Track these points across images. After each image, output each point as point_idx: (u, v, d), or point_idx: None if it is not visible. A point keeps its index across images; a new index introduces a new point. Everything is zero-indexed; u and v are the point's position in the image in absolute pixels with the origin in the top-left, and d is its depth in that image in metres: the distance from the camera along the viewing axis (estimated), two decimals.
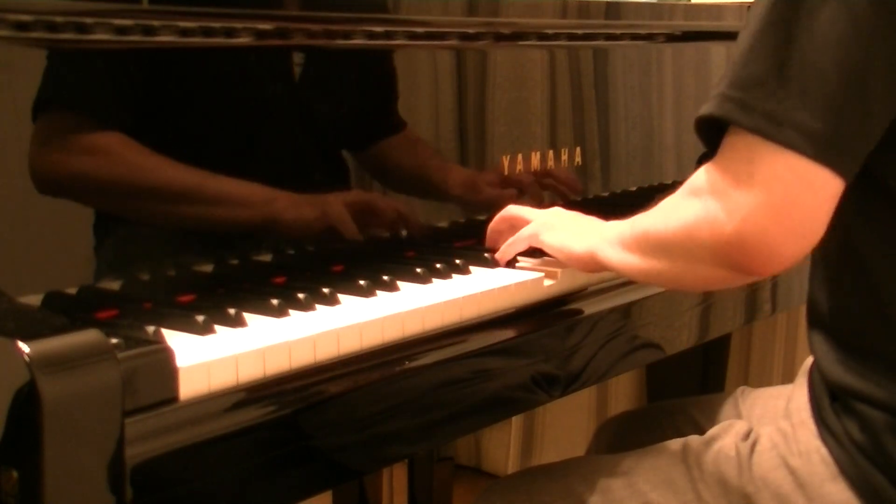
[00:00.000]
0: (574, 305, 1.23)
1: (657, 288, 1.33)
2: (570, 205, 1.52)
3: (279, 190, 1.19)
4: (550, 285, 1.22)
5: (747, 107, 0.93)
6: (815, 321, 1.11)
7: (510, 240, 1.27)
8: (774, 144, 0.92)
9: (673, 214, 1.02)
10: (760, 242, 0.93)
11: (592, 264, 1.16)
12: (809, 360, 1.15)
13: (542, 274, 1.23)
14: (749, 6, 1.01)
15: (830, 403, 1.07)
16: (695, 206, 0.98)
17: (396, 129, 1.35)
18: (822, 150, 0.92)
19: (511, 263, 1.26)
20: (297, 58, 1.22)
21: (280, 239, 1.19)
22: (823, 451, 1.07)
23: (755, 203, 0.93)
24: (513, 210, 1.30)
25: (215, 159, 1.15)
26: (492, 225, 1.31)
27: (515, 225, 1.28)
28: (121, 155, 1.06)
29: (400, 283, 1.16)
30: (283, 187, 1.20)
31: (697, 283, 1.07)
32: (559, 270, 1.23)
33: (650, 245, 1.06)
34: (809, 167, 0.92)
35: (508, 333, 1.16)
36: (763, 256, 0.94)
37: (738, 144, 0.95)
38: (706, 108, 0.97)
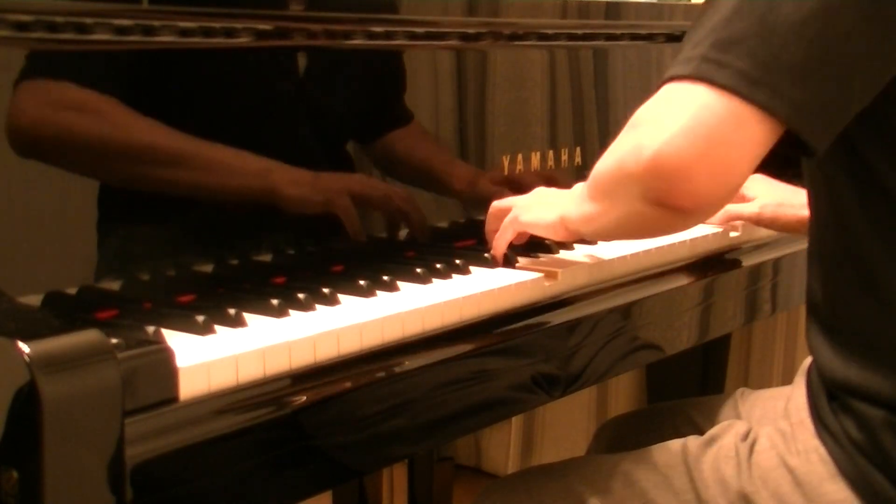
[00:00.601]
0: (574, 305, 1.23)
1: (657, 288, 1.33)
2: None
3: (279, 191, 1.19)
4: (550, 285, 1.22)
5: (723, 65, 0.91)
6: (814, 315, 1.11)
7: (498, 233, 1.26)
8: (731, 95, 0.90)
9: (611, 151, 1.00)
10: (677, 167, 0.91)
11: (564, 231, 1.16)
12: (808, 360, 1.15)
13: (542, 274, 1.23)
14: None
15: (828, 403, 1.07)
16: (628, 137, 0.97)
17: (397, 127, 1.35)
18: (787, 107, 0.90)
19: (511, 264, 1.26)
20: (297, 58, 1.22)
21: (282, 233, 1.19)
22: (822, 450, 1.07)
23: (678, 127, 0.91)
24: (496, 204, 1.29)
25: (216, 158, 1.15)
26: (486, 227, 1.31)
27: (503, 217, 1.27)
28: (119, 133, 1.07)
29: (400, 283, 1.16)
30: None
31: (635, 225, 1.03)
32: (559, 270, 1.23)
33: (598, 189, 1.04)
34: (751, 111, 0.90)
35: (508, 334, 1.16)
36: (678, 184, 0.92)
37: (685, 84, 0.93)
38: (684, 69, 0.94)
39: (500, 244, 1.26)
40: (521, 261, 1.27)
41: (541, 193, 1.26)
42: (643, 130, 0.94)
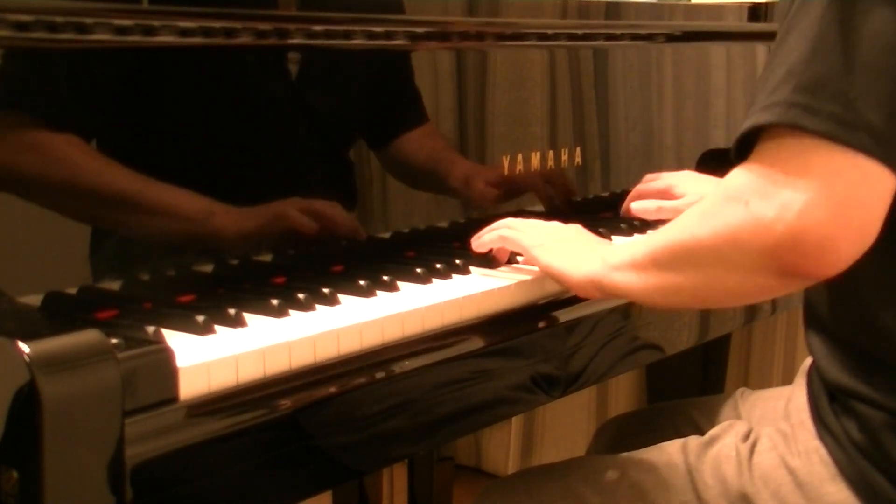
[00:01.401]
0: (574, 305, 1.23)
1: None
2: (569, 207, 1.52)
3: (284, 193, 1.19)
4: (550, 285, 1.22)
5: (813, 110, 0.89)
6: (812, 323, 1.11)
7: (498, 230, 1.23)
8: (835, 144, 0.88)
9: (705, 222, 0.96)
10: (818, 239, 0.88)
11: (593, 291, 1.12)
12: (808, 360, 1.15)
13: (542, 273, 1.22)
14: (779, 9, 0.98)
15: (829, 403, 1.07)
16: (735, 210, 0.92)
17: (400, 127, 1.34)
18: (882, 150, 0.88)
19: (511, 263, 1.26)
20: (296, 58, 1.22)
21: (282, 241, 1.19)
22: (823, 451, 1.07)
23: (812, 197, 0.87)
24: (509, 234, 1.24)
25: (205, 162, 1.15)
26: (481, 244, 1.26)
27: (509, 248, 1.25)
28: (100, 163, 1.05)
29: (400, 283, 1.16)
30: (283, 188, 1.20)
31: (731, 294, 0.99)
32: None
33: (674, 259, 0.99)
34: (871, 166, 0.88)
35: (508, 333, 1.16)
36: (819, 255, 0.89)
37: (786, 148, 0.90)
38: (767, 117, 0.91)
39: (485, 241, 1.24)
40: (522, 260, 1.27)
41: (558, 234, 1.20)
42: (763, 203, 0.89)
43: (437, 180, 1.38)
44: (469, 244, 1.27)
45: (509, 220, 1.26)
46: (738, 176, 0.93)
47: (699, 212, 0.97)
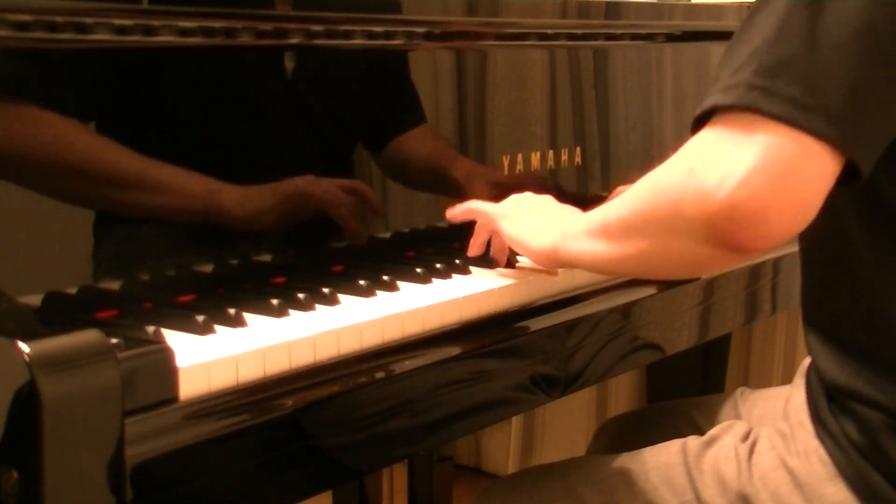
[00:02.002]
0: (574, 305, 1.23)
1: (658, 288, 1.33)
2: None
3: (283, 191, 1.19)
4: (550, 285, 1.22)
5: (772, 93, 0.89)
6: (811, 322, 1.11)
7: (466, 203, 1.25)
8: (787, 126, 0.88)
9: (651, 187, 0.97)
10: (754, 210, 0.88)
11: (553, 260, 1.14)
12: (807, 360, 1.15)
13: (542, 273, 1.22)
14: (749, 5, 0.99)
15: (828, 404, 1.07)
16: (679, 175, 0.93)
17: (399, 128, 1.34)
18: (838, 134, 0.88)
19: (511, 263, 1.26)
20: (296, 58, 1.22)
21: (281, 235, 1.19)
22: (822, 451, 1.07)
23: (752, 166, 0.87)
24: (472, 205, 1.27)
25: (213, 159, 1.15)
26: (453, 215, 1.28)
27: (478, 219, 1.26)
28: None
29: (400, 283, 1.16)
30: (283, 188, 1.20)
31: (675, 264, 1.00)
32: (559, 270, 1.23)
33: (623, 227, 1.00)
34: (818, 145, 0.88)
35: (508, 333, 1.16)
36: (754, 227, 0.89)
37: (740, 118, 0.90)
38: (727, 98, 0.91)
39: (475, 245, 1.25)
40: (521, 260, 1.27)
41: (524, 204, 1.22)
42: (706, 172, 0.90)
43: (436, 181, 1.38)
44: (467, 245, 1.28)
45: (471, 209, 1.27)
46: (689, 143, 0.94)
47: (649, 180, 0.98)
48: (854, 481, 1.04)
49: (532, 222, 1.18)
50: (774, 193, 0.88)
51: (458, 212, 1.28)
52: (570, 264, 1.13)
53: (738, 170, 0.88)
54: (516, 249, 1.20)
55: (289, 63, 1.22)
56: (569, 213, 1.19)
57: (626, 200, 1.01)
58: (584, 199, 1.55)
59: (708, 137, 0.92)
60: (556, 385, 1.22)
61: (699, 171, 0.91)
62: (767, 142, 0.88)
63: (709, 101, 0.93)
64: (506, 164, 1.43)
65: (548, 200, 1.24)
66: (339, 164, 1.29)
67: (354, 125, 1.31)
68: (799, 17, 0.89)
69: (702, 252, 0.94)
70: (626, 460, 1.20)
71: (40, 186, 1.00)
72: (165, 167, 1.10)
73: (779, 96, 0.88)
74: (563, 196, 1.51)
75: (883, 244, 1.01)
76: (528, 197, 1.25)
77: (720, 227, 0.90)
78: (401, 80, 1.35)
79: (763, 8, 0.93)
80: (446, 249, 1.32)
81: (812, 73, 0.88)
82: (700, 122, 0.95)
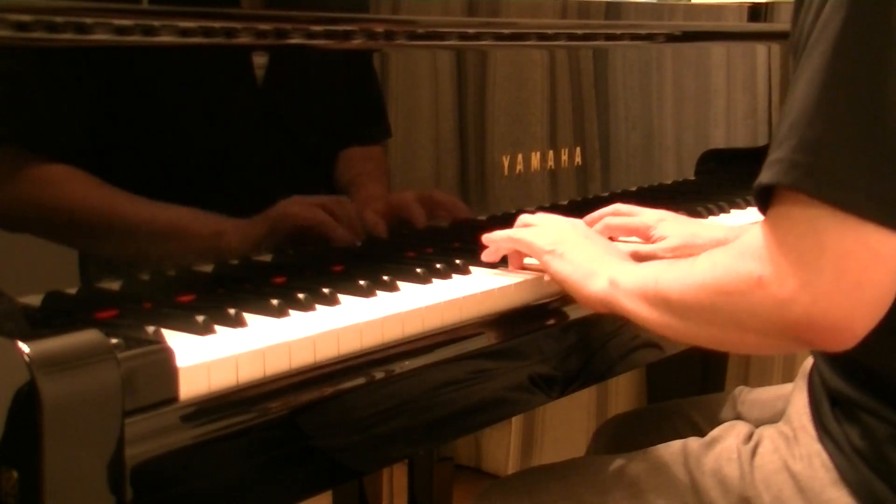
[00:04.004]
0: (574, 305, 1.23)
1: None
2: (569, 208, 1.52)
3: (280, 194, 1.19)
4: (550, 285, 1.22)
5: (816, 173, 0.87)
6: None
7: (513, 234, 1.21)
8: (844, 214, 0.86)
9: (720, 282, 0.95)
10: (833, 322, 0.88)
11: (602, 308, 1.12)
12: (808, 361, 1.14)
13: (542, 274, 1.22)
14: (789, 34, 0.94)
15: (831, 408, 1.07)
16: (750, 279, 0.91)
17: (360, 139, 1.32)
18: (893, 217, 0.87)
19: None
20: (295, 58, 1.22)
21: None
22: (824, 455, 1.06)
23: (826, 283, 0.87)
24: (520, 235, 1.22)
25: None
26: (495, 245, 1.25)
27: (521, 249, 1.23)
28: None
29: (400, 283, 1.16)
30: (284, 188, 1.20)
31: (745, 348, 1.00)
32: None
33: (686, 308, 0.99)
34: (880, 236, 0.87)
35: (508, 334, 1.16)
36: (836, 334, 0.89)
37: (797, 215, 0.89)
38: (768, 176, 0.90)
39: (501, 244, 1.23)
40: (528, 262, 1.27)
41: (572, 238, 1.19)
42: (779, 279, 0.89)
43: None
44: (474, 242, 1.26)
45: (525, 218, 1.25)
46: (754, 240, 0.92)
47: (712, 270, 0.96)
48: (857, 487, 1.03)
49: (579, 262, 1.15)
50: (852, 304, 0.88)
51: (497, 240, 1.24)
52: (624, 316, 1.10)
53: (812, 284, 0.88)
54: (566, 290, 1.17)
55: (288, 63, 1.21)
56: (611, 252, 1.17)
57: (689, 281, 0.99)
58: (585, 199, 1.56)
59: (771, 235, 0.91)
60: (556, 385, 1.22)
61: (771, 279, 0.90)
62: (835, 250, 0.87)
63: (758, 180, 0.91)
64: (506, 164, 1.43)
65: (586, 232, 1.21)
66: (339, 164, 1.29)
67: (356, 126, 1.31)
68: (836, 91, 0.87)
69: (776, 344, 0.95)
70: (626, 461, 1.20)
71: (40, 187, 1.00)
72: (164, 165, 1.10)
73: (823, 177, 0.87)
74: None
75: None
76: (567, 228, 1.22)
77: (799, 334, 0.91)
78: (402, 80, 1.35)
79: (802, 74, 0.90)
80: (446, 249, 1.32)
81: (856, 155, 0.87)
82: (762, 197, 0.93)
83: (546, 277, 1.21)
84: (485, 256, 1.25)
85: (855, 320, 0.89)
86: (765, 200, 0.93)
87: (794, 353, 2.25)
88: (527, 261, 1.25)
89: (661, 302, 1.02)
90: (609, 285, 1.09)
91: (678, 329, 1.02)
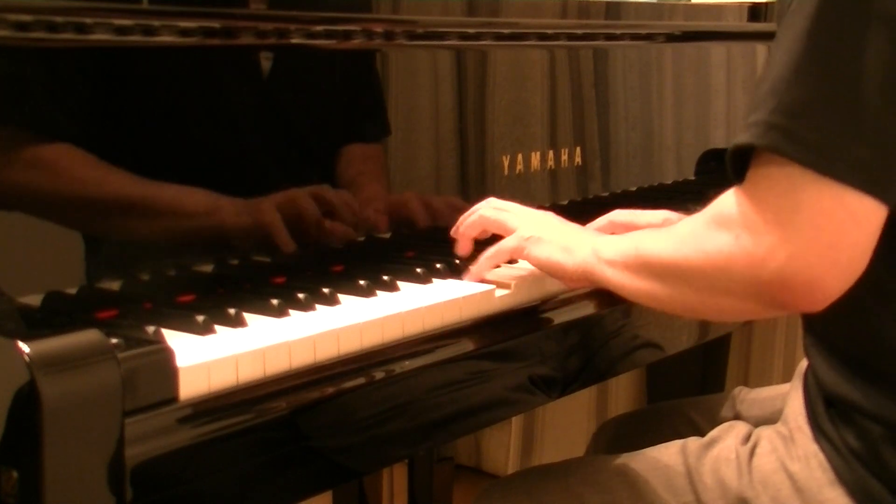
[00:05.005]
0: (574, 305, 1.23)
1: None
2: (564, 206, 1.52)
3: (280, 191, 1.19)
4: (550, 285, 1.22)
5: (794, 136, 0.88)
6: (811, 330, 1.10)
7: (490, 251, 1.20)
8: (821, 177, 0.87)
9: (695, 243, 0.97)
10: (807, 280, 0.89)
11: (584, 280, 1.12)
12: (804, 362, 1.14)
13: (537, 273, 1.22)
14: (774, 13, 0.97)
15: (826, 409, 1.07)
16: (726, 238, 0.93)
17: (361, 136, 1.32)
18: (870, 182, 0.88)
19: (512, 264, 1.26)
20: (295, 58, 1.22)
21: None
22: (821, 456, 1.06)
23: (801, 241, 0.88)
24: (492, 214, 1.22)
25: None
26: (464, 230, 1.24)
27: (491, 231, 1.22)
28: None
29: (400, 283, 1.16)
30: (280, 190, 1.20)
31: (720, 313, 1.01)
32: None
33: (665, 272, 1.00)
34: (858, 199, 0.88)
35: (508, 334, 1.16)
36: (808, 294, 0.90)
37: (775, 175, 0.90)
38: (745, 137, 0.91)
39: (484, 267, 1.19)
40: (520, 262, 1.27)
41: (548, 225, 1.19)
42: (754, 239, 0.90)
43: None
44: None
45: (491, 201, 1.24)
46: (731, 201, 0.93)
47: (690, 231, 0.98)
48: (854, 488, 1.04)
49: (559, 241, 1.15)
50: (826, 262, 0.89)
51: (469, 223, 1.23)
52: (604, 287, 1.11)
53: (786, 242, 0.89)
54: (547, 273, 1.17)
55: (288, 63, 1.21)
56: (588, 232, 1.18)
57: (666, 246, 1.00)
58: (585, 199, 1.56)
59: (748, 197, 0.91)
60: (556, 385, 1.22)
61: (746, 238, 0.91)
62: (812, 209, 0.88)
63: (734, 141, 0.92)
64: (506, 164, 1.43)
65: (559, 218, 1.21)
66: (339, 164, 1.29)
67: (356, 127, 1.31)
68: (815, 56, 0.88)
69: (751, 307, 0.95)
70: (626, 461, 1.20)
71: (40, 187, 1.00)
72: (165, 165, 1.10)
73: (801, 140, 0.88)
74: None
75: (884, 256, 1.00)
76: (537, 213, 1.22)
77: (772, 293, 0.91)
78: (402, 80, 1.35)
79: (780, 41, 0.91)
80: (446, 249, 1.32)
81: (834, 119, 0.87)
82: (737, 163, 0.94)
83: (546, 283, 1.21)
84: (458, 250, 1.24)
85: (827, 280, 0.90)
86: (738, 165, 0.93)
87: (794, 352, 2.25)
88: (494, 274, 1.22)
89: (642, 267, 1.03)
90: (590, 254, 1.10)
91: (658, 295, 1.02)
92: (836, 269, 0.90)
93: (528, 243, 1.17)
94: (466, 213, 1.26)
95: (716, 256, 0.94)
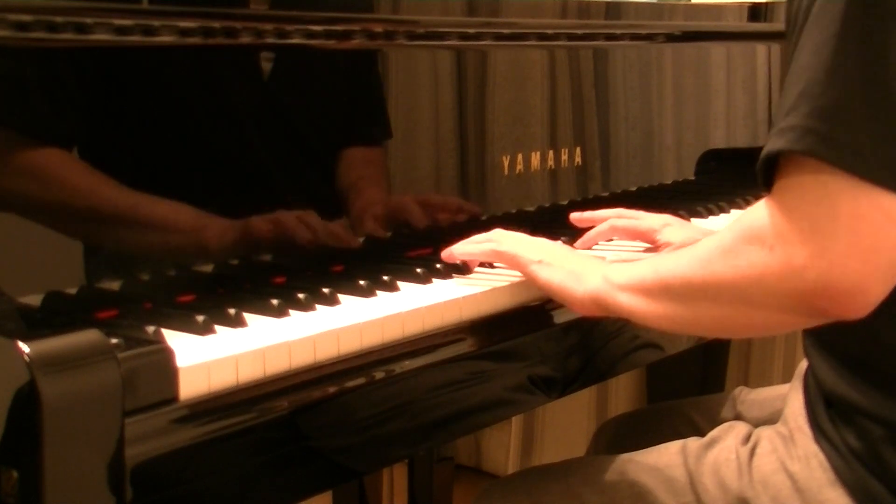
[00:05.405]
0: None
1: None
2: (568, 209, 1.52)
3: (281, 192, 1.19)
4: None
5: (831, 140, 0.87)
6: (810, 331, 1.10)
7: (482, 241, 1.19)
8: (857, 180, 0.86)
9: (726, 259, 0.94)
10: (849, 287, 0.87)
11: (595, 308, 1.10)
12: (804, 363, 1.14)
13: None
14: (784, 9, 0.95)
15: (826, 410, 1.06)
16: (759, 252, 0.91)
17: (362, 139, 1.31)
18: None
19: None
20: (295, 58, 1.22)
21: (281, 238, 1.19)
22: (821, 456, 1.06)
23: (841, 248, 0.86)
24: (508, 248, 1.19)
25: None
26: (472, 258, 1.23)
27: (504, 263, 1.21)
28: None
29: (400, 283, 1.16)
30: (285, 188, 1.20)
31: (752, 328, 0.99)
32: None
33: (691, 292, 0.98)
34: (892, 201, 0.86)
35: (508, 334, 1.16)
36: (850, 301, 0.88)
37: (808, 182, 0.88)
38: (779, 143, 0.89)
39: (470, 251, 1.20)
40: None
41: (555, 252, 1.17)
42: (791, 250, 0.88)
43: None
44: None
45: (497, 233, 1.23)
46: (762, 214, 0.91)
47: (718, 247, 0.96)
48: (854, 488, 1.04)
49: (568, 269, 1.13)
50: (867, 267, 0.87)
51: (475, 252, 1.21)
52: (617, 314, 1.08)
53: (826, 249, 0.87)
54: (554, 297, 1.15)
55: (287, 63, 1.21)
56: (597, 259, 1.17)
57: (691, 264, 0.98)
58: (585, 200, 1.56)
59: (781, 206, 0.90)
60: (556, 385, 1.22)
61: (782, 249, 0.89)
62: (849, 215, 0.87)
63: (766, 148, 0.90)
64: (506, 164, 1.43)
65: (566, 246, 1.20)
66: (339, 164, 1.29)
67: (357, 127, 1.31)
68: (850, 57, 0.87)
69: (787, 319, 0.94)
70: (626, 461, 1.20)
71: (39, 187, 1.00)
72: (164, 165, 1.10)
73: (837, 143, 0.86)
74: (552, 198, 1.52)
75: None
76: (543, 241, 1.20)
77: (814, 303, 0.89)
78: (402, 80, 1.35)
79: (807, 43, 0.90)
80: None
81: (870, 121, 0.87)
82: (766, 172, 0.92)
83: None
84: (460, 257, 1.22)
85: (870, 285, 0.88)
86: (769, 173, 0.92)
87: (794, 352, 2.25)
88: (495, 274, 1.22)
89: (662, 290, 1.01)
90: (602, 282, 1.08)
91: (680, 317, 1.00)
92: (877, 273, 0.88)
93: (538, 267, 1.15)
94: (469, 240, 1.24)
95: (749, 271, 0.92)
